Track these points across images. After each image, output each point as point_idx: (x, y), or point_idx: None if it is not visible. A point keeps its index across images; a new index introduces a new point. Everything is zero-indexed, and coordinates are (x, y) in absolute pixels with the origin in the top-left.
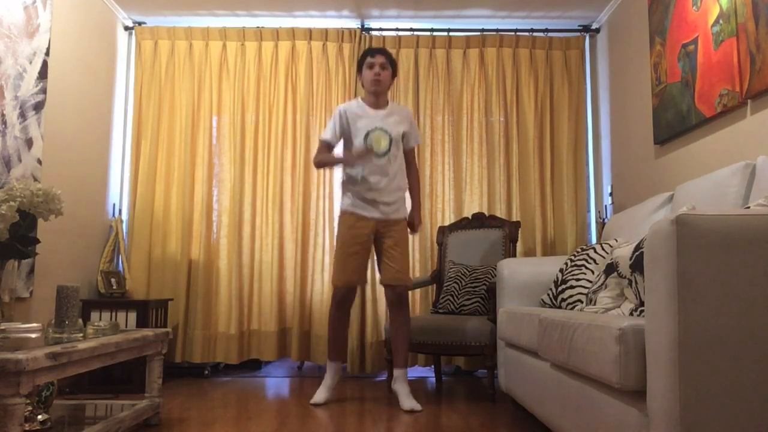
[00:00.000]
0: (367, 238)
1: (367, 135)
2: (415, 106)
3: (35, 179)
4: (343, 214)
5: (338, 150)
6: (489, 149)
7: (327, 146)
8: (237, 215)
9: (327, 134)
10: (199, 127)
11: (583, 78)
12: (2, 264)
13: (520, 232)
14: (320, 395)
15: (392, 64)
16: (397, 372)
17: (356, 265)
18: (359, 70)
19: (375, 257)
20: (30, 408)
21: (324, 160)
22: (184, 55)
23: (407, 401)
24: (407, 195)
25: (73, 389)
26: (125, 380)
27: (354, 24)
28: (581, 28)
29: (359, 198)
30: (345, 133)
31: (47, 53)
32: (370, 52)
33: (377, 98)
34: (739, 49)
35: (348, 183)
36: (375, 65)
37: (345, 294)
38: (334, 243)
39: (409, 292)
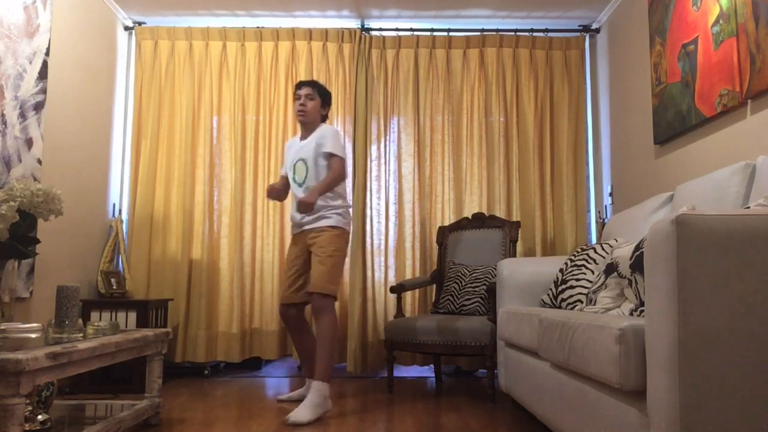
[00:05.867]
0: (296, 256)
1: (293, 168)
2: (415, 106)
3: (35, 179)
4: None
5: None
6: (489, 149)
7: (282, 177)
8: (238, 215)
9: (282, 169)
10: (199, 127)
11: (583, 78)
12: (2, 264)
13: (520, 232)
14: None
15: (321, 93)
16: (308, 382)
17: (290, 281)
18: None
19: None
20: (30, 408)
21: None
22: (184, 55)
23: (296, 412)
24: (337, 206)
25: (73, 389)
26: (125, 380)
27: (354, 24)
28: (581, 28)
29: (292, 220)
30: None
31: (47, 53)
32: (298, 85)
33: (305, 128)
34: (739, 49)
35: None
36: (301, 96)
37: (284, 310)
38: None
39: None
